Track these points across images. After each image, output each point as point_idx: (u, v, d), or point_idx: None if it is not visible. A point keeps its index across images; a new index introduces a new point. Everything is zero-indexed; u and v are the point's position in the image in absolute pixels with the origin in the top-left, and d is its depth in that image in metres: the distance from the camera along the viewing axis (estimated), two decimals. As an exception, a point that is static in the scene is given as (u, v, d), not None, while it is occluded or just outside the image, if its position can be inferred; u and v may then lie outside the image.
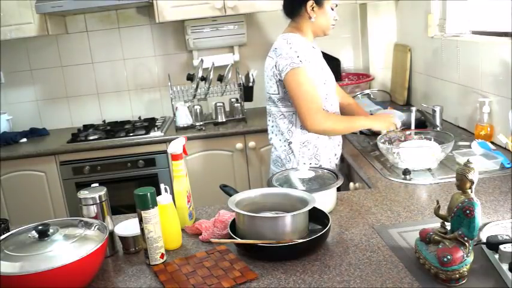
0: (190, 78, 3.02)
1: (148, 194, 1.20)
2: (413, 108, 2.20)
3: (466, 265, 1.02)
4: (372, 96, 2.96)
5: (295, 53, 1.83)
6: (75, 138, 2.97)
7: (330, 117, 1.90)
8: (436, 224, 1.15)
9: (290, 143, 1.94)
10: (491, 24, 2.17)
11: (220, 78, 3.02)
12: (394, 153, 1.79)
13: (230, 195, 1.37)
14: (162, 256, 1.24)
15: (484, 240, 1.13)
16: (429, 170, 1.76)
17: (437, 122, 2.24)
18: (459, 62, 2.28)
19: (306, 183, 1.51)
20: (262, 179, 2.90)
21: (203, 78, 2.97)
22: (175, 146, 1.44)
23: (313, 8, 1.88)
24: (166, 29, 3.29)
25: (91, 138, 2.94)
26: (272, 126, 2.02)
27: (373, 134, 2.25)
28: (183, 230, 1.40)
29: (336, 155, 2.02)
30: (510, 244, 1.07)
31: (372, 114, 2.26)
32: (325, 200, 1.43)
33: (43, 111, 3.40)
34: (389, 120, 2.02)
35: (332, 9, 1.92)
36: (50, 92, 3.37)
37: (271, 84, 1.93)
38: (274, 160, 2.03)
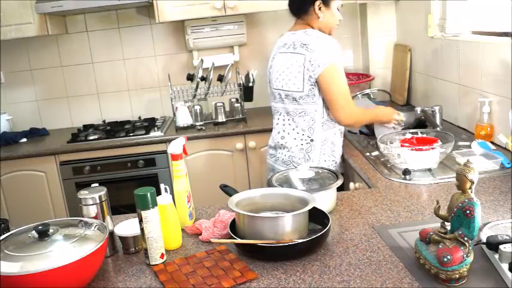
0: (190, 78, 3.02)
1: (148, 194, 1.20)
2: (418, 109, 2.24)
3: (466, 265, 1.02)
4: (372, 96, 2.96)
5: (329, 48, 1.87)
6: (75, 138, 2.96)
7: (359, 111, 2.01)
8: (436, 224, 1.15)
9: (312, 140, 1.96)
10: (491, 24, 2.17)
11: (220, 78, 3.02)
12: (394, 153, 1.80)
13: (230, 195, 1.37)
14: (162, 256, 1.24)
15: (484, 240, 1.13)
16: (429, 170, 1.76)
17: (437, 122, 2.24)
18: (459, 62, 2.28)
19: (306, 183, 1.51)
20: (262, 179, 2.90)
21: (203, 78, 2.97)
22: (175, 146, 1.44)
23: (320, 7, 1.91)
24: (166, 29, 3.29)
25: (91, 138, 2.93)
26: (286, 125, 2.00)
27: (373, 134, 2.25)
28: (183, 230, 1.40)
29: (341, 151, 2.08)
30: (510, 244, 1.07)
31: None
32: (325, 200, 1.43)
33: (43, 111, 3.40)
34: (391, 113, 2.10)
35: (338, 10, 1.95)
36: (50, 92, 3.37)
37: (294, 81, 1.92)
38: (286, 161, 2.01)
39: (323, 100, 1.93)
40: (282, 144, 2.02)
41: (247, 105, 3.15)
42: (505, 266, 1.03)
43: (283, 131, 2.01)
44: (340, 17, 1.99)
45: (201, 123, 2.98)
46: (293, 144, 1.99)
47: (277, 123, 2.04)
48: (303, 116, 1.95)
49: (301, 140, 1.97)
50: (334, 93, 1.89)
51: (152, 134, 2.91)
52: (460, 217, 1.04)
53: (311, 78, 1.88)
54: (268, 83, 2.10)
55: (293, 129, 1.98)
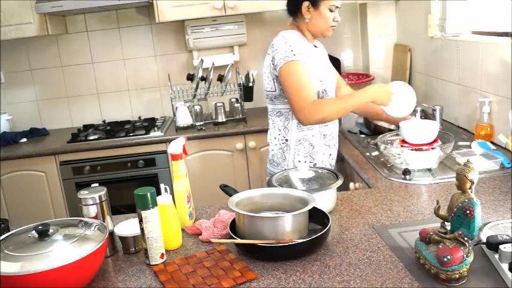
0: (190, 78, 3.02)
1: (148, 194, 1.20)
2: (418, 109, 2.22)
3: (466, 265, 1.02)
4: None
5: (289, 47, 1.83)
6: (75, 138, 2.97)
7: (321, 104, 1.80)
8: (436, 224, 1.15)
9: (286, 140, 1.95)
10: (491, 24, 2.17)
11: (220, 78, 3.02)
12: (394, 153, 1.80)
13: (230, 195, 1.37)
14: (162, 256, 1.24)
15: (484, 240, 1.13)
16: (429, 170, 1.76)
17: (437, 122, 2.24)
18: (459, 62, 2.28)
19: (306, 183, 1.51)
20: (262, 179, 2.90)
21: (203, 78, 2.97)
22: (175, 146, 1.44)
23: (308, 9, 1.87)
24: (166, 29, 3.29)
25: (91, 138, 2.94)
26: (271, 124, 2.01)
27: (373, 134, 2.25)
28: (183, 230, 1.40)
29: (331, 155, 1.99)
30: (510, 244, 1.07)
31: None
32: (325, 200, 1.43)
33: (43, 111, 3.40)
34: (387, 91, 1.83)
35: (331, 11, 1.87)
36: (50, 92, 3.37)
37: (268, 81, 1.93)
38: (270, 160, 2.03)
39: None
40: (269, 143, 2.04)
41: (247, 105, 3.14)
42: (505, 266, 1.03)
43: (269, 130, 2.03)
44: (338, 18, 1.90)
45: (201, 123, 2.98)
46: (273, 143, 2.00)
47: (268, 123, 2.05)
48: (279, 116, 1.95)
49: (279, 140, 1.97)
50: (289, 91, 1.81)
51: (152, 134, 2.91)
52: (460, 217, 1.04)
53: (277, 77, 1.87)
54: None
55: (273, 128, 2.00)
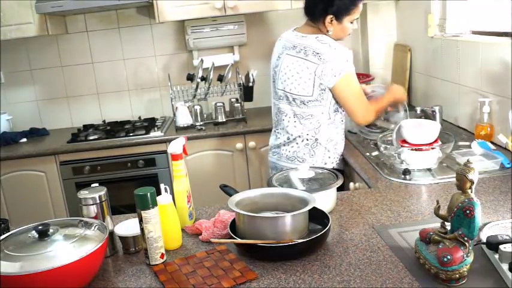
0: (190, 78, 3.02)
1: (148, 194, 1.20)
2: (418, 109, 2.24)
3: (466, 265, 1.02)
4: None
5: (343, 57, 1.88)
6: (75, 138, 2.97)
7: (372, 106, 2.00)
8: (436, 224, 1.15)
9: (316, 139, 2.00)
10: (491, 24, 2.17)
11: (220, 78, 3.02)
12: (394, 153, 1.80)
13: (230, 195, 1.37)
14: (162, 256, 1.24)
15: (484, 240, 1.13)
16: (429, 170, 1.76)
17: (437, 122, 2.24)
18: (459, 62, 2.28)
19: (306, 183, 1.51)
20: (262, 179, 2.90)
21: (203, 78, 2.97)
22: (175, 146, 1.44)
23: (331, 21, 1.89)
24: (166, 29, 3.29)
25: (91, 138, 2.94)
26: (291, 126, 2.01)
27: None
28: (183, 230, 1.40)
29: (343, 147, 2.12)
30: (510, 244, 1.07)
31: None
32: (325, 200, 1.43)
33: (43, 111, 3.40)
34: (401, 91, 2.12)
35: (351, 23, 1.95)
36: (50, 92, 3.37)
37: (304, 86, 1.92)
38: (291, 157, 2.04)
39: (330, 103, 1.95)
40: (287, 142, 2.03)
41: (247, 105, 3.15)
42: (505, 266, 1.03)
43: (287, 132, 2.02)
44: (355, 26, 1.99)
45: (201, 123, 2.98)
46: (299, 140, 2.01)
47: (283, 123, 2.04)
48: (310, 119, 1.97)
49: (307, 138, 2.00)
50: (351, 100, 1.92)
51: (152, 134, 2.91)
52: (460, 217, 1.04)
53: (322, 85, 1.90)
54: (273, 82, 2.08)
55: (297, 129, 1.99)
